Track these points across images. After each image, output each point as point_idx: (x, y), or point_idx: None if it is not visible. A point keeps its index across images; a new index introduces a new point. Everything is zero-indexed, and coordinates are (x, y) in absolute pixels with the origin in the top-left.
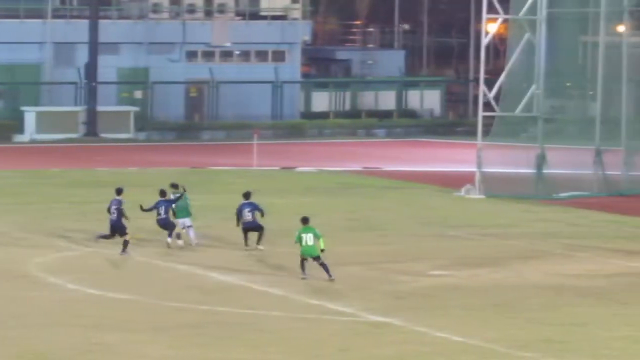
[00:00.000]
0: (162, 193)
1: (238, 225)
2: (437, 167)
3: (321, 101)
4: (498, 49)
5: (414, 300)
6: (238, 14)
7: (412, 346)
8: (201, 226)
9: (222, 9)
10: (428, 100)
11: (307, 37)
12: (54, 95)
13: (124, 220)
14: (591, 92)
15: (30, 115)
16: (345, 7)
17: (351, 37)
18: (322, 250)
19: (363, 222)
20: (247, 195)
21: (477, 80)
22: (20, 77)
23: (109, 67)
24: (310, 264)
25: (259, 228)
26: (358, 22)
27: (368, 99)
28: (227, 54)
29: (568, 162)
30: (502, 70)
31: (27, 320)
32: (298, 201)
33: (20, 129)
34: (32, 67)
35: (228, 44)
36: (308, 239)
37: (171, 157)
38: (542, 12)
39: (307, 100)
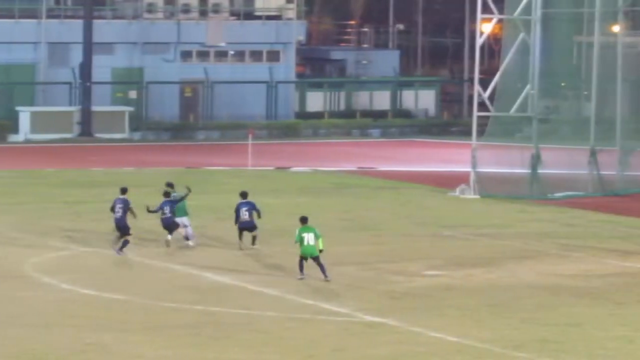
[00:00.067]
0: (167, 194)
1: (236, 223)
2: (431, 167)
3: (316, 101)
4: (493, 49)
5: (409, 301)
6: (232, 14)
7: (406, 346)
8: (196, 226)
9: (216, 9)
10: (423, 100)
11: (302, 37)
12: (49, 95)
13: (128, 220)
14: (586, 92)
15: (24, 115)
16: (340, 7)
17: (346, 37)
18: (320, 251)
19: (357, 222)
20: (244, 194)
21: (471, 80)
22: (15, 77)
23: (103, 67)
24: (309, 263)
25: (254, 228)
26: (352, 22)
27: (363, 99)
28: (221, 54)
29: (563, 162)
30: (496, 70)
31: (21, 320)
32: (293, 201)
33: (14, 129)
34: (27, 67)
35: (223, 44)
36: (309, 238)
37: (166, 157)
38: (537, 12)
39: (302, 100)
